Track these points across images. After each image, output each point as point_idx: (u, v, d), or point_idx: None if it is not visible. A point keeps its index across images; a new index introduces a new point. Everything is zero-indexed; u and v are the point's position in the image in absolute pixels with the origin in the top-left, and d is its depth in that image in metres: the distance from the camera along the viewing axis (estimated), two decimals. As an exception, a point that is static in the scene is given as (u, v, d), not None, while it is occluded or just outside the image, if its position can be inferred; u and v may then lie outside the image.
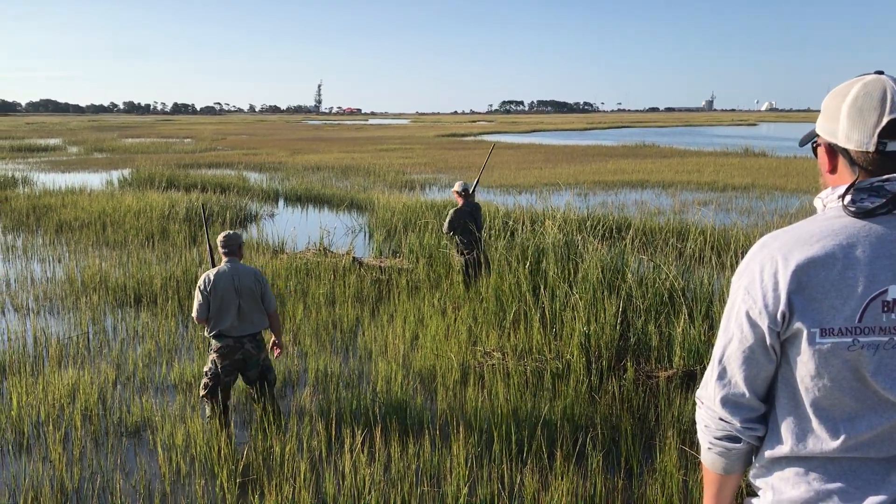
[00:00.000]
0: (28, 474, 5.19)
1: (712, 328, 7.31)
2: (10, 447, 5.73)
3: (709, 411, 1.87)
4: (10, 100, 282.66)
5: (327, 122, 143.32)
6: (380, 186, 23.00)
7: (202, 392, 6.02)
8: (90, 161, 35.65)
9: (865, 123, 1.67)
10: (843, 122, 1.71)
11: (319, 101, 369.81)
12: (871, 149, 1.66)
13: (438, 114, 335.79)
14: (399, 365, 7.10)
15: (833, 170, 1.79)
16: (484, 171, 26.09)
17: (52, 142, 54.55)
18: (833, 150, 1.77)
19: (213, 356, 5.97)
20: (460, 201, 9.87)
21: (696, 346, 6.87)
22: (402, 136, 65.12)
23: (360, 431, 5.54)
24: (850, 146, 1.70)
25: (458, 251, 9.96)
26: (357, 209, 18.69)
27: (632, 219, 14.16)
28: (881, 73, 1.73)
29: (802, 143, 1.94)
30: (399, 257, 12.04)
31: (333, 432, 5.68)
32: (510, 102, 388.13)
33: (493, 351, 7.35)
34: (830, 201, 1.76)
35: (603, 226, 12.39)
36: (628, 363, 6.80)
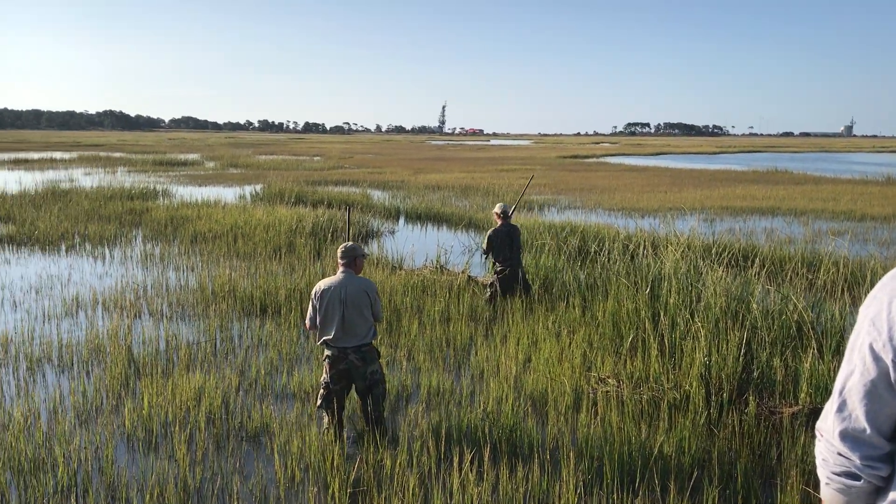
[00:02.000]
0: (155, 471, 5.47)
1: (844, 365, 6.89)
2: (140, 444, 6.06)
3: (827, 444, 1.77)
4: (154, 116, 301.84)
5: (450, 142, 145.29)
6: (499, 207, 23.04)
7: (318, 402, 6.18)
8: (225, 176, 37.52)
9: None
10: None
11: (443, 122, 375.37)
12: None
13: (560, 135, 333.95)
14: (511, 386, 7.06)
15: None
16: (602, 194, 25.70)
17: (192, 157, 57.77)
18: None
19: (324, 365, 6.15)
20: (499, 222, 10.64)
21: (825, 383, 6.51)
22: (523, 156, 65.16)
23: (469, 450, 5.54)
24: None
25: (493, 267, 10.75)
26: (475, 228, 18.80)
27: (759, 247, 13.61)
28: None
29: None
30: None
31: (443, 449, 5.70)
32: (635, 124, 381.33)
33: (608, 377, 7.20)
34: None
35: (728, 253, 11.94)
36: (750, 397, 6.51)
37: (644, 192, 27.86)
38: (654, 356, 7.36)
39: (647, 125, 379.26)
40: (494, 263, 10.69)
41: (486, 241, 10.64)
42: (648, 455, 5.53)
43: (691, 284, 9.25)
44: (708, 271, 9.65)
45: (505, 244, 10.52)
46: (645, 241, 13.04)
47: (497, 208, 10.74)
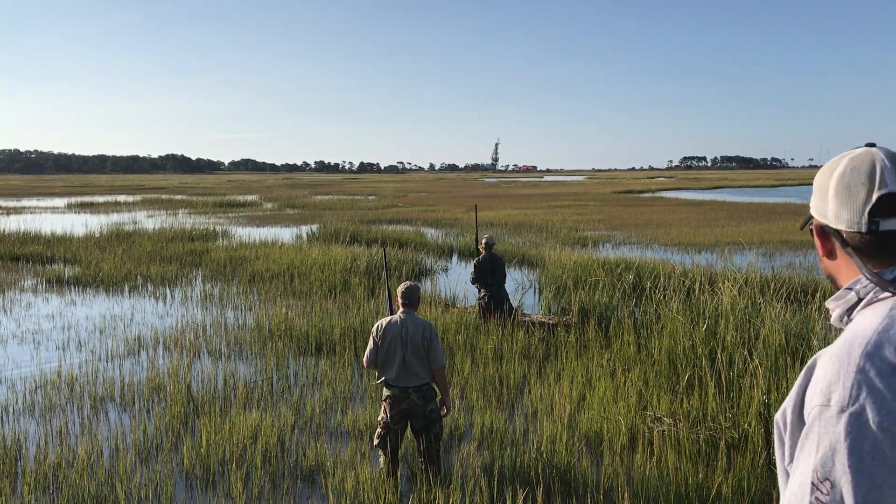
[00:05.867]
0: (212, 508, 5.56)
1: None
2: (198, 482, 6.17)
3: None
4: (215, 159, 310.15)
5: (503, 179, 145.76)
6: (551, 242, 23.02)
7: (375, 441, 6.17)
8: (282, 216, 38.25)
9: (854, 201, 1.50)
10: (831, 201, 1.56)
11: (496, 159, 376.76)
12: (864, 229, 1.50)
13: (615, 170, 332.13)
14: (565, 425, 7.00)
15: (829, 254, 1.62)
16: (658, 229, 25.42)
17: (250, 198, 59.10)
18: (825, 232, 1.61)
19: (383, 405, 6.14)
20: (483, 252, 11.61)
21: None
22: (576, 192, 65.00)
23: (522, 490, 5.50)
24: (841, 226, 1.54)
25: (479, 293, 11.67)
26: (528, 265, 18.78)
27: (820, 281, 13.29)
28: (872, 145, 1.57)
29: (802, 227, 1.75)
30: (569, 315, 11.94)
31: (496, 489, 5.67)
32: (691, 158, 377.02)
33: (664, 416, 7.09)
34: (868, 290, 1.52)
35: (788, 288, 11.70)
36: (812, 437, 6.32)
37: (700, 227, 27.50)
38: (711, 394, 7.23)
39: (704, 159, 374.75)
40: (480, 289, 11.57)
41: (473, 269, 11.59)
42: (706, 496, 5.42)
43: (749, 321, 9.08)
44: (766, 307, 9.47)
45: (487, 272, 11.41)
46: (701, 277, 12.86)
47: (484, 239, 11.74)
